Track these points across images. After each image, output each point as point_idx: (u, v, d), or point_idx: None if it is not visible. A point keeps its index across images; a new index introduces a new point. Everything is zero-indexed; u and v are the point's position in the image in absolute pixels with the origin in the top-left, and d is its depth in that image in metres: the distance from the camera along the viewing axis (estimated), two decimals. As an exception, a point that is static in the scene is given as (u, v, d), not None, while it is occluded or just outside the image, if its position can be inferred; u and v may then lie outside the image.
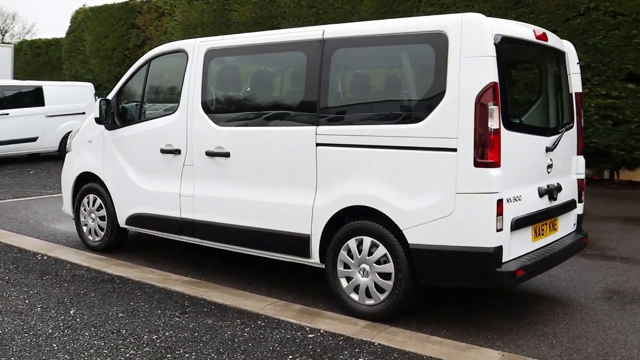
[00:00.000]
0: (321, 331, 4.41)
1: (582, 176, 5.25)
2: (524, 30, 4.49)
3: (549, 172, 4.67)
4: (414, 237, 4.23)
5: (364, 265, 4.52)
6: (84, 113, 17.51)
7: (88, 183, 6.61)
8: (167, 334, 4.40)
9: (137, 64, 6.09)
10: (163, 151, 5.72)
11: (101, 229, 6.54)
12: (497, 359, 3.88)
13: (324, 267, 4.81)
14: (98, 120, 6.14)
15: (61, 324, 4.59)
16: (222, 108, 5.49)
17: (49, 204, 9.57)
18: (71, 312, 4.85)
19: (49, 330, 4.45)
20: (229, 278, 5.68)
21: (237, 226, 5.19)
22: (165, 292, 5.31)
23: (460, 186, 4.02)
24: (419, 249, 4.21)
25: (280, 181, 4.91)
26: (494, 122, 3.94)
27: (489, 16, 13.54)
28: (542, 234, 4.60)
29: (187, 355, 4.03)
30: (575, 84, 5.17)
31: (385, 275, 4.43)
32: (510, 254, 4.16)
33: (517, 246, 4.25)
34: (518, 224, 4.21)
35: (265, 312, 4.80)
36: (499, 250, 4.02)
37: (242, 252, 5.41)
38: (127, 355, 4.02)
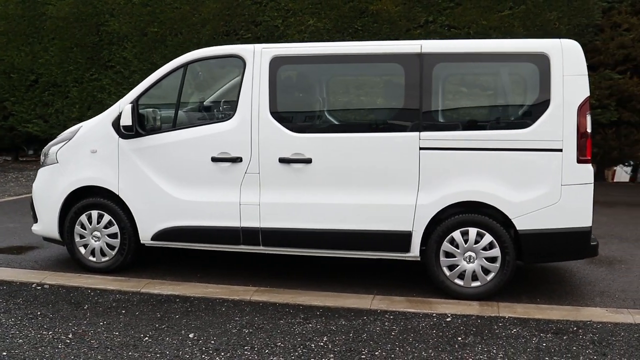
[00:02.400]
0: (449, 314, 4.94)
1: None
2: None
3: None
4: (522, 224, 5.03)
5: (469, 253, 5.17)
6: None
7: (88, 199, 5.93)
8: (324, 339, 4.47)
9: (167, 68, 5.68)
10: (216, 159, 5.52)
11: (110, 247, 5.93)
12: (605, 314, 4.92)
13: (419, 259, 5.33)
14: (128, 129, 5.60)
15: (202, 348, 4.31)
16: (300, 115, 5.54)
17: None
18: (190, 335, 4.55)
19: (206, 357, 4.18)
20: (292, 282, 5.76)
21: (322, 230, 5.33)
22: (251, 305, 5.20)
23: (566, 179, 4.96)
24: (527, 234, 5.04)
25: (375, 183, 5.24)
26: (588, 127, 4.95)
27: (335, 25, 15.01)
28: None
29: (377, 352, 4.25)
30: None
31: (490, 260, 5.15)
32: (585, 232, 5.24)
33: None
34: (587, 207, 5.32)
35: (378, 307, 5.12)
36: (591, 228, 5.07)
37: (320, 255, 5.58)
38: (329, 362, 4.10)
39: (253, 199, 5.49)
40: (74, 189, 5.90)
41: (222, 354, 4.22)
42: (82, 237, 5.99)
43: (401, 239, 5.24)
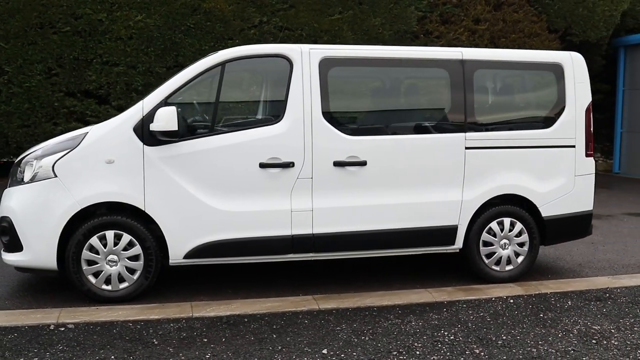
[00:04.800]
0: (505, 297, 5.46)
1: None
2: None
3: None
4: (546, 211, 5.81)
5: (504, 240, 5.77)
6: None
7: (101, 217, 5.02)
8: (444, 333, 4.62)
9: (200, 67, 5.08)
10: (264, 165, 5.17)
11: (131, 271, 5.11)
12: (612, 281, 5.95)
13: (457, 251, 5.75)
14: (170, 134, 4.88)
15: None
16: (352, 118, 5.45)
17: None
18: (323, 351, 4.27)
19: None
20: (335, 285, 5.70)
21: (376, 231, 5.40)
22: (329, 313, 5.01)
23: (578, 171, 5.88)
24: (550, 220, 5.83)
25: (426, 182, 5.49)
26: (592, 126, 5.94)
27: (166, 22, 15.24)
28: None
29: (503, 337, 4.57)
30: None
31: (520, 245, 5.82)
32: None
33: None
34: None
35: (442, 299, 5.40)
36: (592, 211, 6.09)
37: (370, 255, 5.60)
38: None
39: (305, 205, 5.29)
40: (83, 206, 4.94)
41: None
42: (90, 263, 5.04)
43: (448, 233, 5.60)
